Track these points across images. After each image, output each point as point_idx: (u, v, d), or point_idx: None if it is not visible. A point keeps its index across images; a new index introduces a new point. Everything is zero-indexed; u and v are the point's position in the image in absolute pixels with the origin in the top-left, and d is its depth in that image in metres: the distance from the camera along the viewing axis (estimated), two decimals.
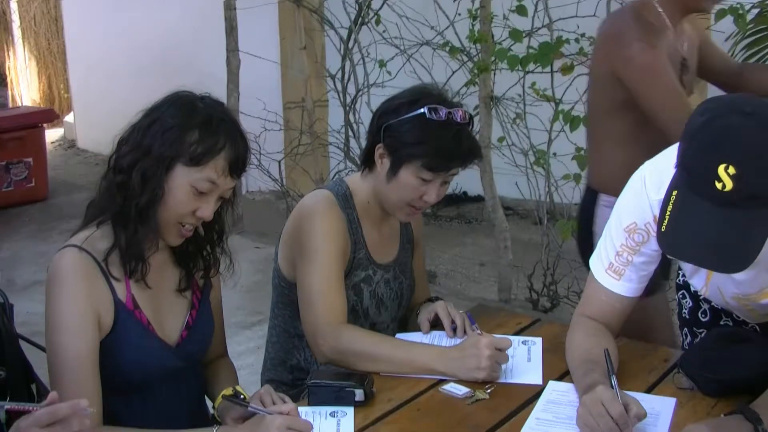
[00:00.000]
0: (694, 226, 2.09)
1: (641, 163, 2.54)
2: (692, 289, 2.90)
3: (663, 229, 2.14)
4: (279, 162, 7.31)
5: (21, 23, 13.02)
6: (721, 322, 2.88)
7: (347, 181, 3.03)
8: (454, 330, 2.90)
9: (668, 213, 2.13)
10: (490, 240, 6.82)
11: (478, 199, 7.96)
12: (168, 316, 2.59)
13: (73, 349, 2.36)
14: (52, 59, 12.84)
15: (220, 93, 6.87)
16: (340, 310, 2.81)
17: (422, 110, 2.79)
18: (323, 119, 7.44)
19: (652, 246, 2.49)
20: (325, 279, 2.81)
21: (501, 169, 5.92)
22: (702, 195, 2.06)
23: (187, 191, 2.41)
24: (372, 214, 3.00)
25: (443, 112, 2.79)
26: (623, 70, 3.27)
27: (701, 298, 2.90)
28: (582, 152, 5.18)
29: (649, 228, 2.47)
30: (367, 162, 2.96)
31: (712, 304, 2.87)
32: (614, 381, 2.32)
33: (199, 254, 2.66)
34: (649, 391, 2.54)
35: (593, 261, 2.66)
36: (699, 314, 2.97)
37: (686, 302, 3.01)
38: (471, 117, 2.87)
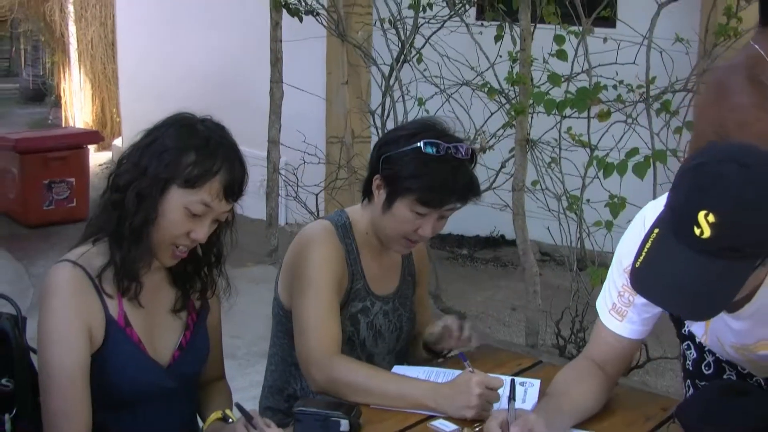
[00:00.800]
0: (666, 268, 2.05)
1: None
2: (697, 340, 2.85)
3: (637, 265, 2.10)
4: (316, 195, 7.31)
5: (78, 46, 13.20)
6: (725, 375, 2.83)
7: (348, 211, 3.03)
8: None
9: (645, 250, 2.09)
10: (523, 285, 6.78)
11: (515, 243, 7.91)
12: (161, 335, 2.58)
13: (64, 362, 2.37)
14: (107, 83, 13.00)
15: (263, 123, 7.01)
16: (334, 339, 2.79)
17: (418, 144, 2.78)
18: (362, 155, 7.44)
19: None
20: (320, 309, 2.80)
21: (534, 213, 5.88)
22: (680, 238, 2.02)
23: (181, 213, 2.41)
24: (371, 244, 2.99)
25: (441, 147, 2.77)
26: (736, 134, 3.17)
27: (706, 350, 2.85)
28: (615, 199, 5.14)
29: None
30: (366, 192, 2.95)
31: (717, 356, 2.82)
32: (511, 405, 2.36)
33: (197, 276, 2.66)
34: None
35: (599, 302, 2.64)
36: (703, 366, 2.91)
37: (690, 353, 2.96)
38: (473, 153, 2.85)
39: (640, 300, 2.49)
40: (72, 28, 13.25)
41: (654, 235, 2.09)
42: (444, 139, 2.81)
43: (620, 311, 2.56)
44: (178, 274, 2.63)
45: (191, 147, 2.41)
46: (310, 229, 2.96)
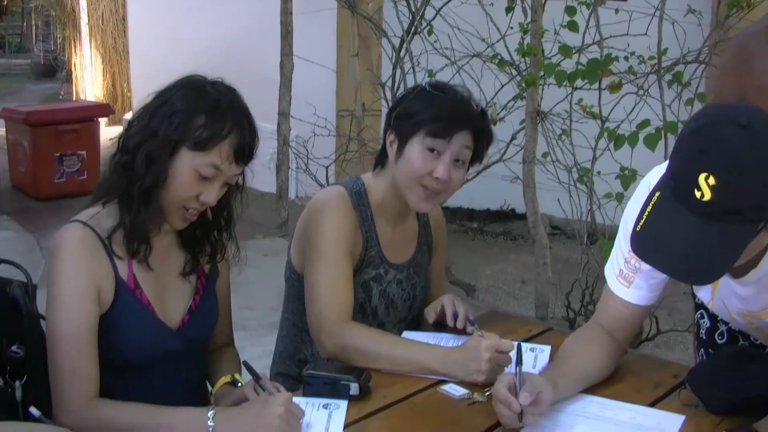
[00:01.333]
0: (667, 232, 2.04)
1: None
2: (700, 299, 2.85)
3: (638, 229, 2.08)
4: (326, 168, 7.31)
5: (89, 21, 13.17)
6: (739, 345, 2.82)
7: (363, 177, 3.01)
8: (455, 319, 2.87)
9: (646, 213, 2.08)
10: (533, 258, 6.77)
11: (525, 217, 7.91)
12: (170, 299, 2.58)
13: (72, 322, 2.37)
14: (118, 58, 12.97)
15: (274, 96, 7.00)
16: (345, 306, 2.78)
17: (423, 84, 2.85)
18: (373, 127, 7.43)
19: None
20: (331, 275, 2.79)
21: (544, 185, 5.86)
22: (681, 201, 2.01)
23: (191, 175, 2.41)
24: (387, 212, 2.97)
25: (447, 87, 2.84)
26: (755, 100, 3.16)
27: (719, 319, 2.84)
28: (626, 172, 5.13)
29: None
30: (380, 159, 2.95)
31: (730, 325, 2.81)
32: (518, 369, 2.34)
33: (206, 239, 2.65)
34: (653, 405, 2.49)
35: (607, 269, 2.64)
36: (716, 336, 2.90)
37: (704, 322, 2.95)
38: (483, 110, 2.89)
39: (646, 266, 2.47)
40: (83, 3, 13.23)
41: (655, 198, 2.08)
42: (450, 86, 2.88)
43: (627, 277, 2.55)
44: (187, 238, 2.63)
45: (201, 109, 2.41)
46: (323, 195, 2.96)
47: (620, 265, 2.56)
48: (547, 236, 6.02)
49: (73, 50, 13.73)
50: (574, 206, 5.84)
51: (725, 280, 2.42)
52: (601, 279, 5.58)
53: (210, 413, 2.25)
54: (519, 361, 2.38)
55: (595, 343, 2.59)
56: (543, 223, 5.95)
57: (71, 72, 13.85)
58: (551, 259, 5.89)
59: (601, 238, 5.57)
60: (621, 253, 2.55)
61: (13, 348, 2.52)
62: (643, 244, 2.10)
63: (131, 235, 2.45)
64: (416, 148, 2.79)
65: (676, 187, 2.03)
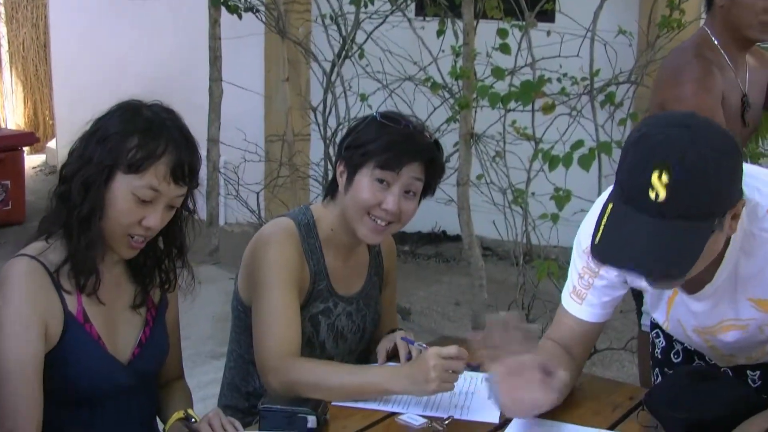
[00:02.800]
0: (626, 236, 2.05)
1: None
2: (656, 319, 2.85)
3: (596, 241, 2.09)
4: (258, 194, 7.25)
5: (9, 48, 12.97)
6: (694, 364, 2.83)
7: (312, 209, 2.96)
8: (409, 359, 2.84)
9: (603, 225, 2.09)
10: (466, 279, 6.78)
11: (457, 238, 7.91)
12: (120, 332, 2.52)
13: (16, 355, 2.30)
14: (39, 85, 12.78)
15: (203, 122, 6.94)
16: (291, 343, 2.73)
17: (374, 114, 2.82)
18: (304, 152, 7.39)
19: (612, 271, 2.47)
20: (276, 311, 2.74)
21: (479, 207, 5.86)
22: (635, 206, 2.03)
23: (129, 200, 2.35)
24: (336, 243, 2.92)
25: (398, 119, 2.80)
26: (674, 108, 3.24)
27: (674, 338, 2.85)
28: (561, 192, 5.15)
29: None
30: (331, 189, 2.92)
31: (686, 345, 2.82)
32: None
33: (157, 269, 2.59)
34: (612, 428, 2.49)
35: (564, 289, 2.64)
36: (672, 355, 2.92)
37: (659, 341, 2.97)
38: (437, 140, 2.88)
39: (599, 282, 2.52)
40: (2, 30, 13.02)
41: (608, 210, 2.10)
42: (401, 116, 2.86)
43: (580, 294, 2.57)
44: (137, 269, 2.57)
45: (134, 131, 2.35)
46: (269, 228, 2.90)
47: (574, 282, 2.58)
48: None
49: None
50: (509, 227, 5.85)
51: (680, 299, 2.45)
52: (537, 300, 5.65)
53: None
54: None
55: (559, 357, 2.56)
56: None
57: None
58: (485, 281, 5.89)
59: (536, 258, 5.59)
60: (575, 269, 2.57)
61: None
62: (604, 252, 2.11)
63: (76, 268, 2.38)
64: (365, 180, 2.76)
65: (628, 193, 2.05)
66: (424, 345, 2.70)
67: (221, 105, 7.16)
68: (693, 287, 2.37)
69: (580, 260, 2.54)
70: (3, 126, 12.83)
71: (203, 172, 7.10)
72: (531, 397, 2.30)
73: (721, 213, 2.07)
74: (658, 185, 1.99)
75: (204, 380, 4.82)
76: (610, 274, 2.50)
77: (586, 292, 2.56)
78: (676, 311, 2.53)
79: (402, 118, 2.84)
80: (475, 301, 5.94)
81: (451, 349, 2.56)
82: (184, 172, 2.38)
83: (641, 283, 2.45)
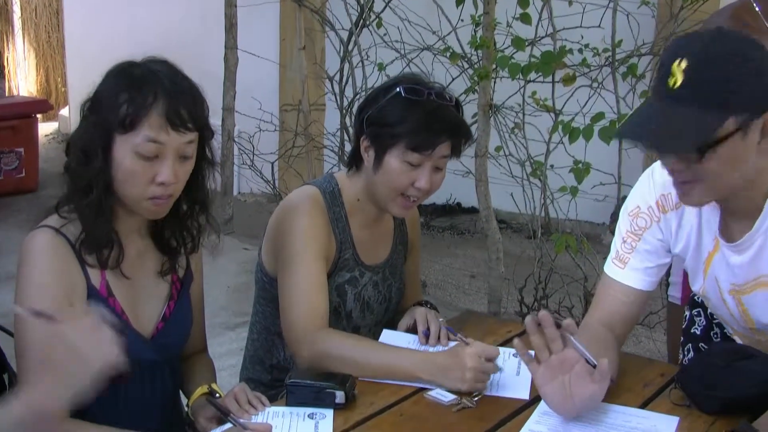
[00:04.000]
0: (641, 117, 2.18)
1: None
2: (709, 311, 2.82)
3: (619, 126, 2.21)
4: (272, 164, 7.21)
5: (22, 14, 12.91)
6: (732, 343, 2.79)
7: (337, 177, 2.91)
8: (427, 336, 2.80)
9: (629, 116, 2.24)
10: (481, 252, 6.74)
11: (472, 210, 7.89)
12: (144, 306, 2.47)
13: (41, 332, 2.25)
14: (51, 52, 12.72)
15: (217, 91, 6.89)
16: (320, 313, 2.68)
17: (398, 89, 2.71)
18: (319, 121, 7.34)
19: (656, 233, 2.49)
20: (305, 281, 2.69)
21: (496, 179, 5.81)
22: (657, 95, 2.15)
23: (135, 159, 2.26)
24: (362, 212, 2.88)
25: (422, 90, 2.70)
26: None
27: (715, 321, 2.82)
28: (580, 165, 5.10)
29: (652, 212, 2.49)
30: (354, 160, 2.86)
31: (725, 330, 2.78)
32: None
33: (180, 231, 2.53)
34: (643, 406, 2.45)
35: (606, 262, 2.63)
36: (711, 334, 2.89)
37: (700, 320, 2.93)
38: (457, 100, 2.79)
39: (642, 246, 2.53)
40: None
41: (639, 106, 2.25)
42: (422, 84, 2.75)
43: (622, 258, 2.56)
44: (161, 237, 2.51)
45: (123, 88, 2.26)
46: (295, 196, 2.85)
47: (617, 247, 2.58)
48: None
49: (5, 44, 13.45)
50: (527, 200, 5.81)
51: (720, 255, 2.43)
52: (554, 274, 5.61)
53: None
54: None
55: (601, 345, 2.49)
56: None
57: (4, 67, 13.58)
58: (502, 254, 5.84)
59: (554, 232, 5.54)
60: (619, 234, 2.58)
61: None
62: (621, 131, 2.32)
63: (91, 241, 2.33)
64: (396, 162, 2.71)
65: (654, 85, 2.18)
66: (468, 339, 2.64)
67: (236, 74, 7.09)
68: (733, 235, 2.36)
69: (624, 224, 2.56)
70: (16, 93, 12.80)
71: (218, 141, 7.11)
72: (581, 392, 2.25)
73: (741, 109, 2.09)
74: (677, 71, 2.07)
75: (219, 351, 4.79)
76: (652, 236, 2.51)
77: (629, 256, 2.55)
78: (714, 269, 2.48)
79: (425, 86, 2.74)
80: (491, 275, 5.89)
81: (493, 352, 2.54)
82: (182, 117, 2.27)
83: (685, 244, 2.48)
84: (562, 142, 5.24)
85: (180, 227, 2.52)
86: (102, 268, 2.36)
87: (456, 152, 2.79)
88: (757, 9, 3.29)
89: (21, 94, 12.67)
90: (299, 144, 7.12)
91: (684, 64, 2.05)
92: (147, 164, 2.27)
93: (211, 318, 5.73)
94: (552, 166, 5.53)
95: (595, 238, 6.82)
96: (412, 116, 2.68)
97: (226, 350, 5.15)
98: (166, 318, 2.51)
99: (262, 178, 7.15)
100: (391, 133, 2.69)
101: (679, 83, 2.06)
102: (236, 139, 7.28)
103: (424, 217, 8.25)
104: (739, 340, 2.69)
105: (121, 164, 2.28)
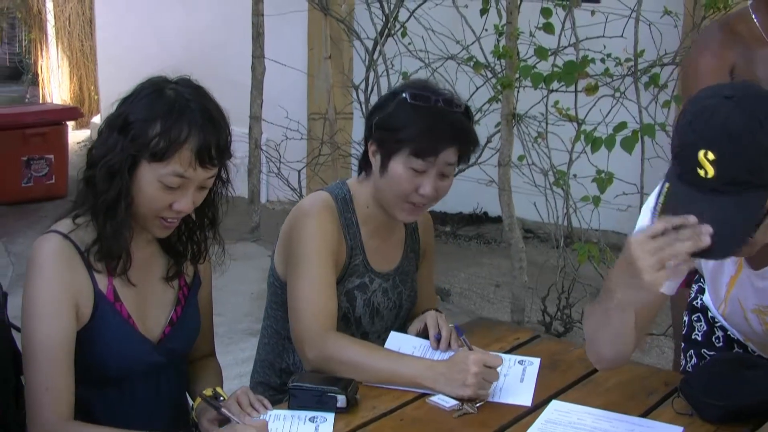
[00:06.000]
0: (682, 213, 2.04)
1: None
2: (710, 315, 2.80)
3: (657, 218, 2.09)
4: (299, 172, 7.25)
5: (55, 23, 13.02)
6: (733, 352, 2.78)
7: (348, 183, 2.93)
8: (438, 341, 2.81)
9: (661, 203, 2.10)
10: (507, 262, 6.73)
11: (498, 220, 7.87)
12: (151, 310, 2.51)
13: (47, 335, 2.29)
14: (84, 60, 12.82)
15: (244, 99, 6.94)
16: (328, 316, 2.70)
17: (404, 95, 2.72)
18: (346, 130, 7.37)
19: None
20: (314, 284, 2.71)
21: (520, 188, 5.82)
22: (688, 183, 2.05)
23: (157, 187, 2.31)
24: (373, 219, 2.89)
25: (428, 97, 2.70)
26: (683, 74, 3.30)
27: (717, 325, 2.80)
28: (603, 175, 5.10)
29: None
30: (364, 166, 2.88)
31: (728, 333, 2.77)
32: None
33: (189, 240, 2.56)
34: (645, 414, 2.45)
35: None
36: (713, 339, 2.88)
37: (700, 325, 2.91)
38: (467, 107, 2.79)
39: None
40: (49, 5, 13.06)
41: (666, 188, 2.11)
42: (430, 91, 2.76)
43: None
44: (169, 243, 2.55)
45: (157, 116, 2.29)
46: (307, 201, 2.88)
47: None
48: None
49: (39, 53, 13.57)
50: (550, 209, 5.81)
51: (744, 276, 2.41)
52: (577, 283, 5.61)
53: None
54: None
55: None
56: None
57: (37, 75, 13.70)
58: (525, 263, 5.84)
59: (577, 242, 5.54)
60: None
61: None
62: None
63: (104, 252, 2.36)
64: (400, 168, 2.71)
65: (680, 171, 2.08)
66: (470, 347, 2.64)
67: (263, 82, 7.14)
68: (759, 262, 2.34)
69: (645, 218, 2.49)
70: (49, 101, 12.91)
71: (245, 150, 7.16)
72: None
73: None
74: (706, 163, 2.00)
75: (241, 357, 4.82)
76: None
77: None
78: (737, 291, 2.48)
79: (432, 92, 2.75)
80: (514, 284, 5.90)
81: (496, 360, 2.54)
82: (211, 154, 2.32)
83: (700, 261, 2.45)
84: (585, 152, 5.26)
85: (188, 234, 2.55)
86: (110, 275, 2.39)
87: (464, 159, 2.79)
88: (755, 19, 3.27)
89: (54, 101, 12.77)
90: (325, 152, 7.15)
91: (711, 156, 1.99)
92: (167, 193, 2.32)
93: (234, 324, 5.81)
94: (575, 175, 5.52)
95: (618, 248, 6.79)
96: (416, 122, 2.68)
97: (248, 356, 5.14)
98: (173, 323, 2.54)
99: (288, 186, 7.17)
100: (396, 138, 2.71)
101: (711, 174, 2.00)
102: (263, 148, 7.32)
103: (451, 226, 8.27)
104: (752, 347, 2.69)
105: (143, 189, 2.32)
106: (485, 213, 8.40)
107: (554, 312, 5.78)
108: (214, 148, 2.32)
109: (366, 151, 2.84)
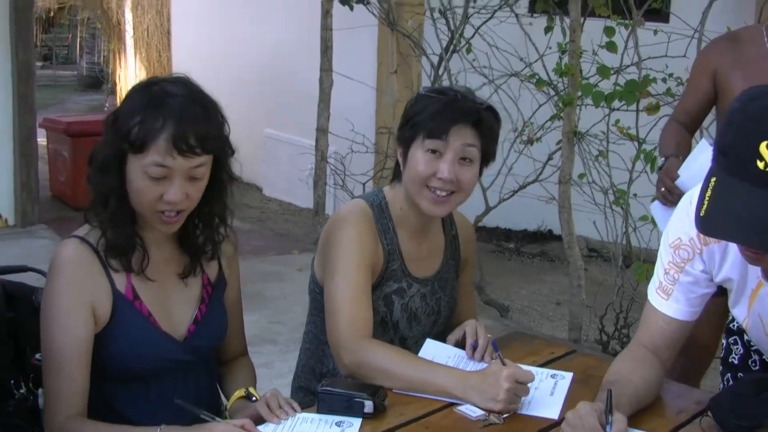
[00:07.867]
0: (734, 207, 2.01)
1: None
2: (746, 337, 2.80)
3: (702, 213, 2.05)
4: (363, 184, 7.30)
5: (134, 34, 13.27)
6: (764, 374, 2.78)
7: (384, 190, 2.98)
8: (474, 349, 2.83)
9: (707, 198, 2.05)
10: (569, 280, 6.73)
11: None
12: (174, 308, 2.56)
13: (63, 338, 2.37)
14: (161, 71, 13.04)
15: (312, 112, 7.02)
16: (364, 323, 2.74)
17: (420, 91, 2.85)
18: None
19: (698, 266, 2.45)
20: (350, 290, 2.75)
21: (580, 206, 5.83)
22: (742, 177, 1.99)
23: (143, 179, 2.35)
24: (408, 223, 2.93)
25: (444, 89, 2.83)
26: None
27: (753, 348, 2.80)
28: None
29: (694, 244, 2.43)
30: (396, 172, 2.94)
31: (764, 357, 2.77)
32: (609, 418, 2.25)
33: (202, 237, 2.60)
34: None
35: (650, 285, 2.60)
36: (749, 363, 2.87)
37: (737, 348, 2.91)
38: (490, 105, 2.84)
39: (685, 278, 2.49)
40: (128, 16, 13.34)
41: (712, 183, 2.05)
42: (447, 88, 2.87)
43: (666, 289, 2.53)
44: (185, 240, 2.59)
45: (137, 109, 2.35)
46: (344, 209, 2.93)
47: (660, 278, 2.54)
48: (584, 258, 5.98)
49: (118, 63, 13.84)
50: (610, 228, 5.80)
51: (765, 291, 2.41)
52: (636, 303, 5.58)
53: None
54: (609, 409, 2.28)
55: (646, 365, 2.53)
56: (579, 245, 5.91)
57: (116, 84, 13.95)
58: (586, 282, 5.82)
59: (636, 261, 5.52)
60: (661, 264, 2.53)
61: (37, 356, 2.55)
62: (709, 225, 2.07)
63: (112, 248, 2.43)
64: (418, 153, 2.77)
65: (733, 165, 2.01)
66: (504, 361, 2.63)
67: (331, 95, 7.21)
68: None
69: (666, 255, 2.51)
70: None
71: (311, 161, 7.18)
72: None
73: None
74: (766, 154, 1.96)
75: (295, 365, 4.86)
76: (694, 268, 2.47)
77: (672, 288, 2.52)
78: (758, 305, 2.47)
79: (449, 89, 2.85)
80: (572, 302, 5.89)
81: (528, 376, 2.55)
82: (189, 143, 2.33)
83: (728, 276, 2.43)
84: (645, 171, 5.24)
85: (201, 230, 2.59)
86: (127, 272, 2.46)
87: (486, 144, 2.83)
88: (765, 39, 3.28)
89: None
90: (389, 166, 7.19)
91: None
92: (156, 183, 2.36)
93: (293, 333, 5.87)
94: (635, 194, 5.51)
95: None
96: (429, 107, 2.77)
97: None
98: (197, 321, 2.59)
99: (352, 198, 7.22)
100: (411, 125, 2.79)
101: None
102: (329, 160, 7.39)
103: (515, 243, 8.28)
104: None
105: (132, 181, 2.37)
106: (550, 231, 8.40)
107: (611, 331, 5.77)
108: (193, 136, 2.33)
109: (397, 159, 2.90)
